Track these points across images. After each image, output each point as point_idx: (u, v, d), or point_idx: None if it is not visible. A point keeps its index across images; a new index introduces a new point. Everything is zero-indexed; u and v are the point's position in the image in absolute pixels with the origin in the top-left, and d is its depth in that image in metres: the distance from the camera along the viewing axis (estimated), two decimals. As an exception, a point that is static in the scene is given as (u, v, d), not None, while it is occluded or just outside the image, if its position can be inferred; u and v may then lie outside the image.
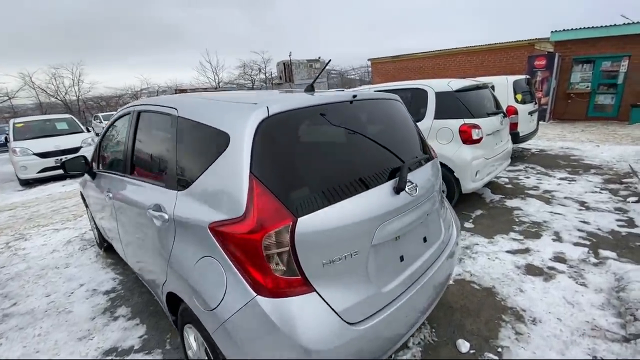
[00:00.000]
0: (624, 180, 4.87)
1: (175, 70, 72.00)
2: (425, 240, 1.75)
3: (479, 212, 4.06)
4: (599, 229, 3.41)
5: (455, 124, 3.70)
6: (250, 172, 1.24)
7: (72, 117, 9.67)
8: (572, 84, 11.22)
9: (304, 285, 1.24)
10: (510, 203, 4.28)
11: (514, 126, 5.73)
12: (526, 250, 3.10)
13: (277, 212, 1.21)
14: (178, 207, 1.54)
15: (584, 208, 3.97)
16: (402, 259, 1.56)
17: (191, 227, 1.44)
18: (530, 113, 6.15)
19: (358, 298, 1.33)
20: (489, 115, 3.98)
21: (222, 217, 1.28)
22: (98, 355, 2.21)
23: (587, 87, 10.90)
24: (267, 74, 38.51)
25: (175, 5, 79.37)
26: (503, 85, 5.80)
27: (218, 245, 1.29)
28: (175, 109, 1.73)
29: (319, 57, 33.22)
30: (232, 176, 1.28)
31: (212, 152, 1.40)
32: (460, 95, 3.83)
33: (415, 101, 4.10)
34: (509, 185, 4.99)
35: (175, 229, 1.54)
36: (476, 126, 3.66)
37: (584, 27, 10.43)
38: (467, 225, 3.70)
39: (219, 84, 39.86)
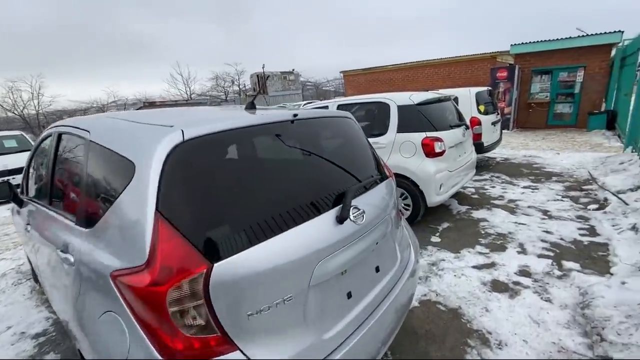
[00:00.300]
0: (583, 187, 5.00)
1: (145, 83, 70.00)
2: (377, 270, 1.59)
3: (445, 224, 3.99)
4: (561, 239, 3.41)
5: (418, 137, 3.64)
6: (157, 209, 1.03)
7: (22, 133, 9.04)
8: (532, 94, 11.73)
9: (225, 344, 1.04)
10: (477, 214, 4.26)
11: (477, 137, 5.81)
12: (492, 265, 3.03)
13: (188, 257, 1.01)
14: (83, 248, 1.30)
15: (547, 217, 3.99)
16: (349, 295, 1.40)
17: (94, 273, 1.21)
18: (494, 123, 6.28)
19: (293, 351, 1.14)
20: (451, 127, 3.96)
21: (124, 265, 1.07)
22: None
23: (547, 96, 11.43)
24: (240, 86, 38.21)
25: (146, 17, 77.84)
26: (466, 97, 5.90)
27: (120, 298, 1.07)
28: (88, 132, 1.51)
29: (293, 69, 33.37)
30: (135, 215, 1.08)
31: (117, 185, 1.19)
32: (422, 109, 3.78)
33: (379, 115, 4.04)
34: (476, 196, 5.01)
35: (81, 274, 1.30)
36: (438, 139, 3.62)
37: (541, 40, 10.98)
38: (434, 239, 3.61)
39: (190, 96, 39.11)
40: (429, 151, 3.57)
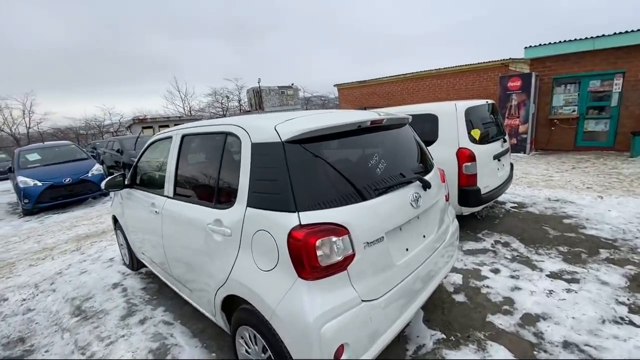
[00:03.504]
0: (667, 283, 2.65)
1: (143, 99, 70.18)
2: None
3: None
4: None
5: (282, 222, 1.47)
6: None
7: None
8: (554, 108, 9.34)
9: None
10: (452, 367, 1.99)
11: (470, 180, 3.55)
12: None
13: None
14: None
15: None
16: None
17: None
18: (498, 157, 3.99)
19: None
20: (379, 194, 1.77)
21: None
22: None
23: (574, 111, 9.02)
24: (240, 101, 36.84)
25: (145, 34, 79.09)
26: (449, 116, 3.66)
27: None
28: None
29: (292, 84, 31.73)
30: None
31: None
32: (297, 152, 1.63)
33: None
34: (460, 297, 2.72)
35: None
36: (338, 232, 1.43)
37: (565, 41, 8.67)
38: None
39: (190, 111, 38.02)
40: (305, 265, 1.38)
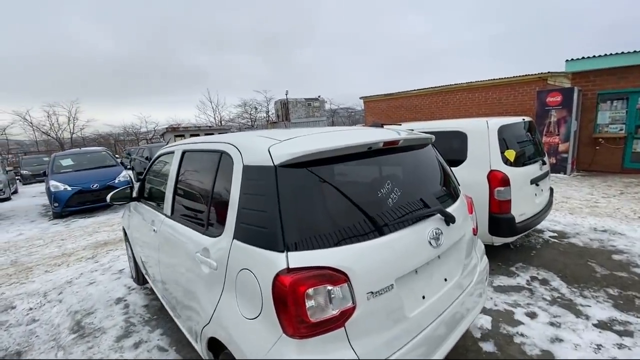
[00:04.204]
0: None
1: (178, 109, 73.58)
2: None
3: None
4: None
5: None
6: None
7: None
8: (599, 125, 8.58)
9: None
10: None
11: (503, 206, 3.16)
12: None
13: None
14: None
15: None
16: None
17: None
18: (536, 181, 3.56)
19: None
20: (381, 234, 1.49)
21: None
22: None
23: (621, 130, 8.22)
24: (268, 113, 37.49)
25: (183, 47, 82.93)
26: (480, 135, 3.30)
27: None
28: None
29: (319, 96, 31.92)
30: None
31: None
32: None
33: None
34: (488, 346, 2.34)
35: None
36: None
37: (610, 54, 7.99)
38: None
39: (221, 121, 39.17)
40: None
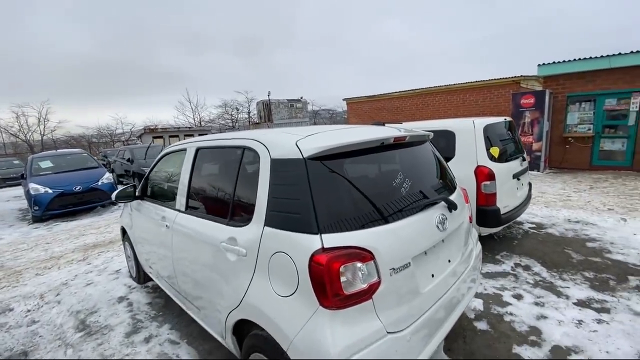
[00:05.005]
0: None
1: (156, 110, 71.83)
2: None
3: None
4: None
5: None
6: None
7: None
8: (569, 126, 9.19)
9: None
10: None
11: (489, 199, 3.43)
12: None
13: None
14: None
15: None
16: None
17: None
18: (517, 175, 3.87)
19: None
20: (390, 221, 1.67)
21: None
22: None
23: (589, 129, 8.85)
24: (250, 114, 37.28)
25: (161, 47, 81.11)
26: (467, 133, 3.57)
27: None
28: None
29: (301, 97, 32.09)
30: None
31: None
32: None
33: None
34: (482, 325, 2.56)
35: None
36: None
37: (579, 59, 8.59)
38: None
39: (200, 122, 38.53)
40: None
